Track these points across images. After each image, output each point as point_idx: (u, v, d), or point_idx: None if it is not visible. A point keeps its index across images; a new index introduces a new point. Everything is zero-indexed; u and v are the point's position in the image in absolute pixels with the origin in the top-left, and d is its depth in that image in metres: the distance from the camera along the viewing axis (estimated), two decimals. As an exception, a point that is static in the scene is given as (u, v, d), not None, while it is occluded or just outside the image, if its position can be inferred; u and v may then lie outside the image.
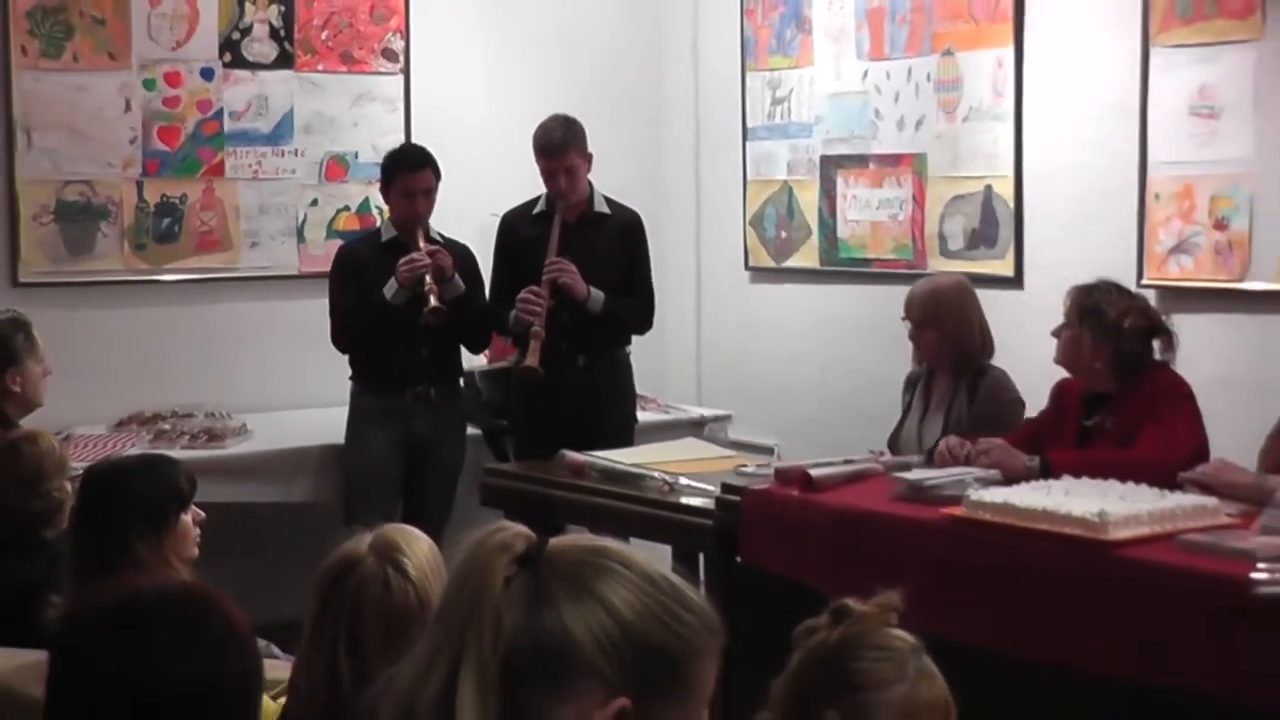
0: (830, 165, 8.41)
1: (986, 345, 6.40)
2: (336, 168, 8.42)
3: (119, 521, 4.37)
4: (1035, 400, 6.11)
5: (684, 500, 5.97)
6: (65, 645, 2.50)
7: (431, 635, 1.93)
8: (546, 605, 1.91)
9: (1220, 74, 6.82)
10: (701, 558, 5.84)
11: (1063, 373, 5.94)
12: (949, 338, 6.35)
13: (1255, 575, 4.28)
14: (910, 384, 6.59)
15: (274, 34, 8.23)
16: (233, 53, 8.16)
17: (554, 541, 1.99)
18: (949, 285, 6.51)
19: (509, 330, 7.28)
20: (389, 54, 8.50)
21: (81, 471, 5.72)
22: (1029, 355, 6.31)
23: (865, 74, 8.21)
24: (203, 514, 4.58)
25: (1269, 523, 4.60)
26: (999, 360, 6.55)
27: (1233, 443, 5.59)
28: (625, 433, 7.30)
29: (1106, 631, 4.58)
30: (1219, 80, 6.82)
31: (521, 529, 1.98)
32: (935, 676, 3.22)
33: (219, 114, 8.15)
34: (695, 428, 7.93)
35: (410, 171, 7.26)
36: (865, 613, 3.15)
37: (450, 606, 1.93)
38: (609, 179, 7.51)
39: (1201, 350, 6.29)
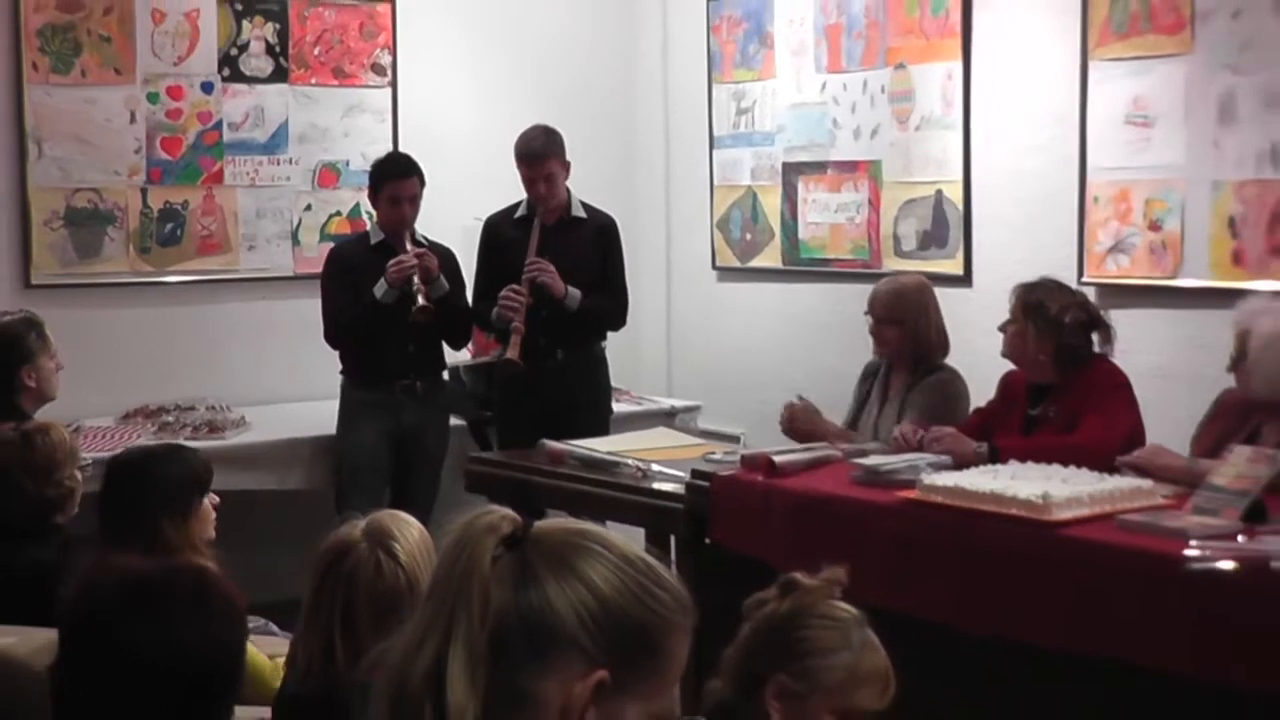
0: (791, 171, 8.42)
1: (942, 344, 6.40)
2: (329, 175, 8.41)
3: (147, 504, 4.38)
4: (984, 389, 6.12)
5: (656, 485, 5.97)
6: (80, 618, 2.51)
7: (423, 611, 1.93)
8: (532, 583, 1.91)
9: (1153, 85, 6.84)
10: (673, 539, 5.85)
11: (1009, 365, 5.96)
12: (908, 334, 6.35)
13: (1188, 552, 4.30)
14: (868, 374, 6.59)
15: (269, 50, 8.23)
16: (231, 68, 8.14)
17: (538, 524, 2.00)
18: (911, 285, 6.51)
19: (492, 326, 7.28)
20: (377, 68, 8.49)
21: (90, 461, 5.75)
22: (978, 349, 6.31)
23: (824, 86, 8.21)
24: (217, 499, 4.60)
25: (1200, 503, 4.63)
26: (951, 354, 6.55)
27: (1167, 429, 5.61)
28: (601, 423, 7.29)
29: (1050, 606, 4.60)
30: (1152, 91, 6.84)
31: (508, 512, 1.98)
32: (878, 648, 3.24)
33: (218, 125, 8.13)
34: (666, 418, 7.94)
35: (397, 179, 7.26)
36: (812, 585, 3.16)
37: (441, 584, 1.93)
38: (585, 185, 7.51)
39: (1137, 343, 6.31)
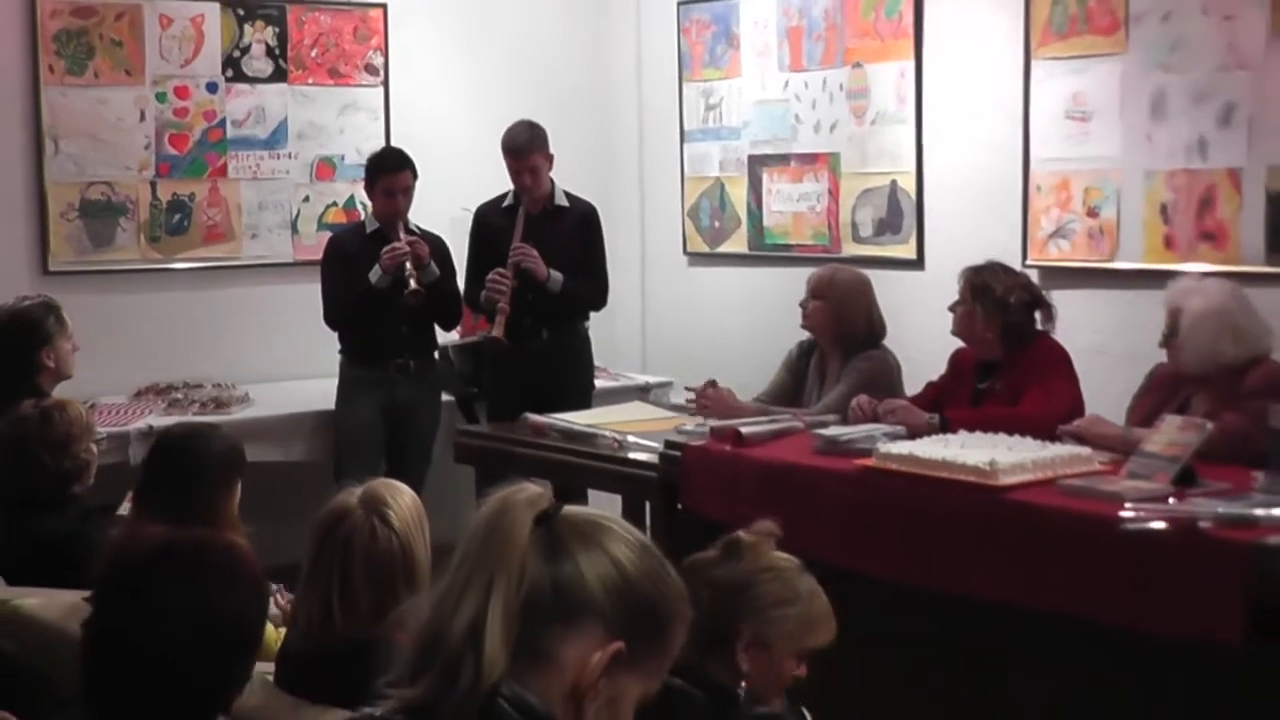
0: (756, 164, 8.42)
1: (872, 332, 6.37)
2: (325, 169, 8.39)
3: (195, 479, 4.38)
4: (935, 365, 6.12)
5: (632, 456, 5.97)
6: (114, 581, 2.51)
7: (459, 573, 1.95)
8: (564, 555, 1.95)
9: (1091, 83, 6.86)
10: (648, 505, 5.86)
11: (959, 343, 5.98)
12: (832, 313, 6.32)
13: (1123, 514, 4.31)
14: (804, 353, 6.56)
15: (270, 52, 8.20)
16: (234, 69, 8.12)
17: (567, 506, 2.03)
18: (846, 272, 6.51)
19: (481, 307, 7.28)
20: (370, 69, 8.47)
21: (105, 436, 5.75)
22: (930, 328, 6.31)
23: (786, 84, 8.21)
24: None
25: (1135, 469, 4.64)
26: (904, 334, 6.57)
27: (1104, 401, 5.63)
28: (582, 398, 7.29)
29: (996, 564, 4.61)
30: (1090, 88, 6.86)
31: (544, 490, 2.02)
32: (820, 592, 3.25)
33: (222, 123, 8.11)
34: (641, 393, 7.93)
35: (391, 172, 7.25)
36: (753, 542, 3.16)
37: (481, 549, 1.94)
38: (567, 176, 7.50)
39: (1077, 321, 6.32)
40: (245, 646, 2.48)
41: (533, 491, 2.00)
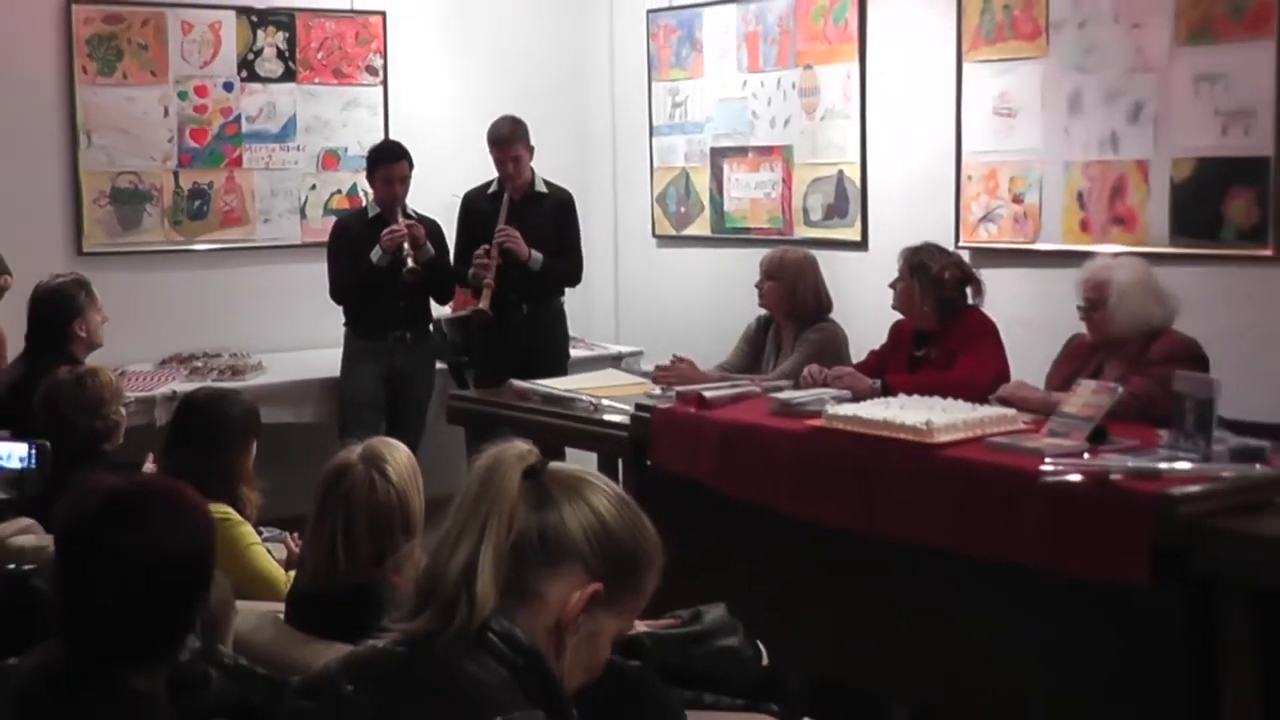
0: (718, 155, 8.41)
1: (819, 306, 6.38)
2: (330, 160, 8.36)
3: (220, 437, 4.37)
4: (877, 335, 6.13)
5: (606, 417, 5.97)
6: (69, 530, 2.50)
7: (456, 519, 1.96)
8: (549, 505, 1.96)
9: (1015, 83, 6.87)
10: (620, 462, 5.88)
11: (898, 315, 5.98)
12: (785, 291, 6.34)
13: (1044, 468, 4.34)
14: (761, 327, 6.56)
15: (280, 55, 8.17)
16: (248, 70, 8.09)
17: (553, 462, 2.04)
18: (795, 253, 6.52)
19: (468, 282, 7.28)
20: (371, 69, 8.44)
21: (133, 399, 5.73)
22: (872, 302, 6.33)
23: (745, 83, 8.21)
24: None
25: (1054, 428, 4.66)
26: (850, 308, 6.58)
27: (1027, 367, 5.64)
28: (560, 365, 7.29)
29: (931, 512, 4.63)
30: (1014, 88, 6.88)
31: (532, 447, 2.03)
32: None
33: (238, 118, 8.08)
34: (615, 361, 7.93)
35: (390, 162, 7.24)
36: None
37: (476, 499, 1.96)
38: (547, 165, 7.49)
39: (1003, 296, 6.33)
40: (195, 580, 2.46)
41: (522, 448, 2.01)
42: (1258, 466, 4.31)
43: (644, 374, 7.02)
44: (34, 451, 3.71)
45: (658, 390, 6.04)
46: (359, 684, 1.92)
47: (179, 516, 2.48)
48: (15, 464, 3.64)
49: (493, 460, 1.99)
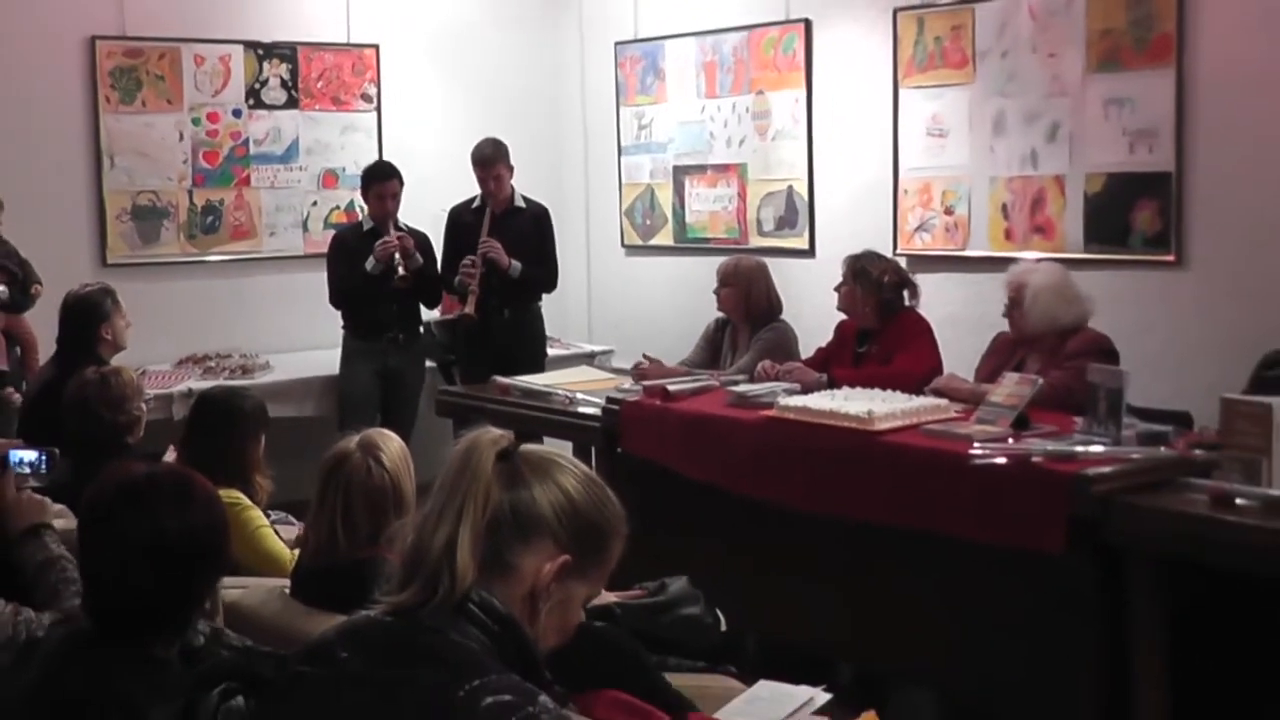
0: (680, 172, 8.42)
1: (771, 308, 6.38)
2: (330, 178, 8.34)
3: (234, 430, 4.36)
4: (823, 333, 6.15)
5: (580, 409, 5.95)
6: (88, 513, 2.50)
7: (436, 500, 1.96)
8: (521, 485, 1.96)
9: (946, 107, 6.90)
10: (593, 449, 5.87)
11: (842, 315, 5.99)
12: (741, 296, 6.36)
13: (973, 451, 4.35)
14: (719, 328, 6.57)
15: (284, 84, 8.15)
16: (255, 98, 8.06)
17: (524, 445, 2.04)
18: (748, 261, 6.53)
19: (455, 289, 7.26)
20: (366, 97, 8.42)
21: (152, 396, 5.72)
22: (819, 304, 6.33)
23: (703, 108, 8.21)
24: None
25: (982, 416, 4.68)
26: (799, 309, 6.59)
27: (958, 362, 5.66)
28: (539, 363, 7.27)
29: (873, 492, 4.64)
30: (945, 111, 6.90)
31: (505, 432, 2.03)
32: None
33: (246, 142, 8.06)
34: (588, 359, 7.91)
35: (382, 180, 7.22)
36: None
37: (454, 481, 1.96)
38: (525, 182, 7.48)
39: (937, 298, 6.36)
40: (202, 560, 2.46)
41: (495, 433, 2.01)
42: (1162, 449, 4.34)
43: (614, 370, 7.03)
44: (44, 457, 3.72)
45: (629, 384, 6.05)
46: (352, 650, 1.91)
47: (185, 502, 2.48)
48: (26, 469, 3.65)
49: (469, 445, 1.99)
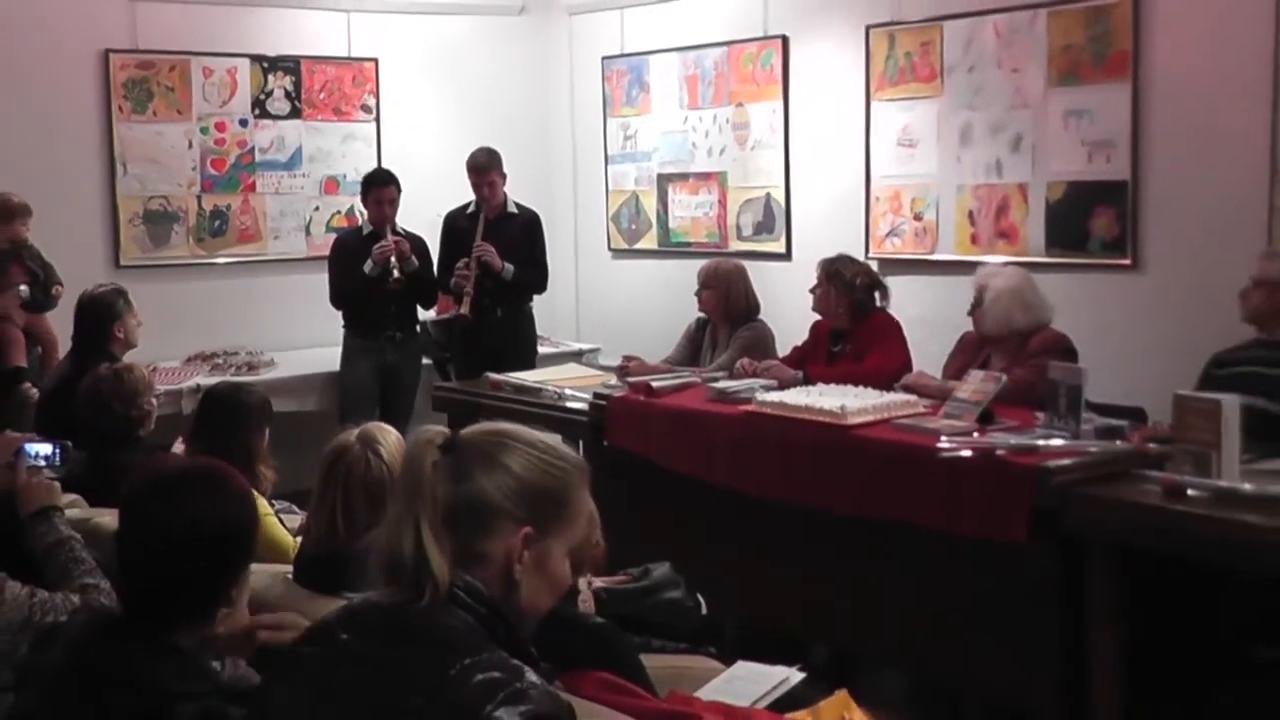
0: (664, 180, 8.42)
1: (750, 308, 6.38)
2: (332, 185, 8.32)
3: (240, 423, 4.34)
4: (799, 332, 6.14)
5: (569, 404, 5.94)
6: (127, 503, 2.50)
7: (393, 508, 1.93)
8: (466, 477, 1.93)
9: (915, 119, 6.91)
10: (581, 442, 5.87)
11: (817, 316, 6.00)
12: (721, 297, 6.35)
13: (941, 444, 4.36)
14: (700, 327, 6.56)
15: (288, 95, 8.13)
16: (260, 108, 8.04)
17: (464, 431, 2.00)
18: (727, 264, 6.52)
19: (450, 290, 7.26)
20: (365, 108, 8.41)
21: (162, 391, 5.70)
22: (795, 305, 6.33)
23: (686, 119, 8.21)
24: None
25: (949, 411, 4.68)
26: (776, 309, 6.59)
27: (926, 360, 5.67)
28: (529, 360, 7.27)
29: (847, 483, 4.65)
30: (915, 122, 6.92)
31: (442, 428, 1.99)
32: None
33: (251, 150, 8.04)
34: (576, 357, 7.92)
35: (381, 186, 7.21)
36: None
37: (403, 489, 1.93)
38: (517, 189, 7.47)
39: (906, 299, 6.37)
40: (231, 550, 2.46)
41: (433, 431, 1.97)
42: (1119, 442, 4.35)
43: (601, 367, 7.03)
44: (58, 450, 3.71)
45: (615, 381, 6.05)
46: (352, 632, 1.92)
47: (219, 496, 2.47)
48: (41, 461, 3.64)
49: (409, 450, 1.96)
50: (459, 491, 1.92)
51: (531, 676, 1.80)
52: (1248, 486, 3.88)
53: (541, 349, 7.71)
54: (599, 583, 3.40)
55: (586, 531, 2.05)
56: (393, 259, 7.04)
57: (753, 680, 3.18)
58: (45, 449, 3.70)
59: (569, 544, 2.00)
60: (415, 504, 1.90)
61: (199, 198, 7.90)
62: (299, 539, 3.87)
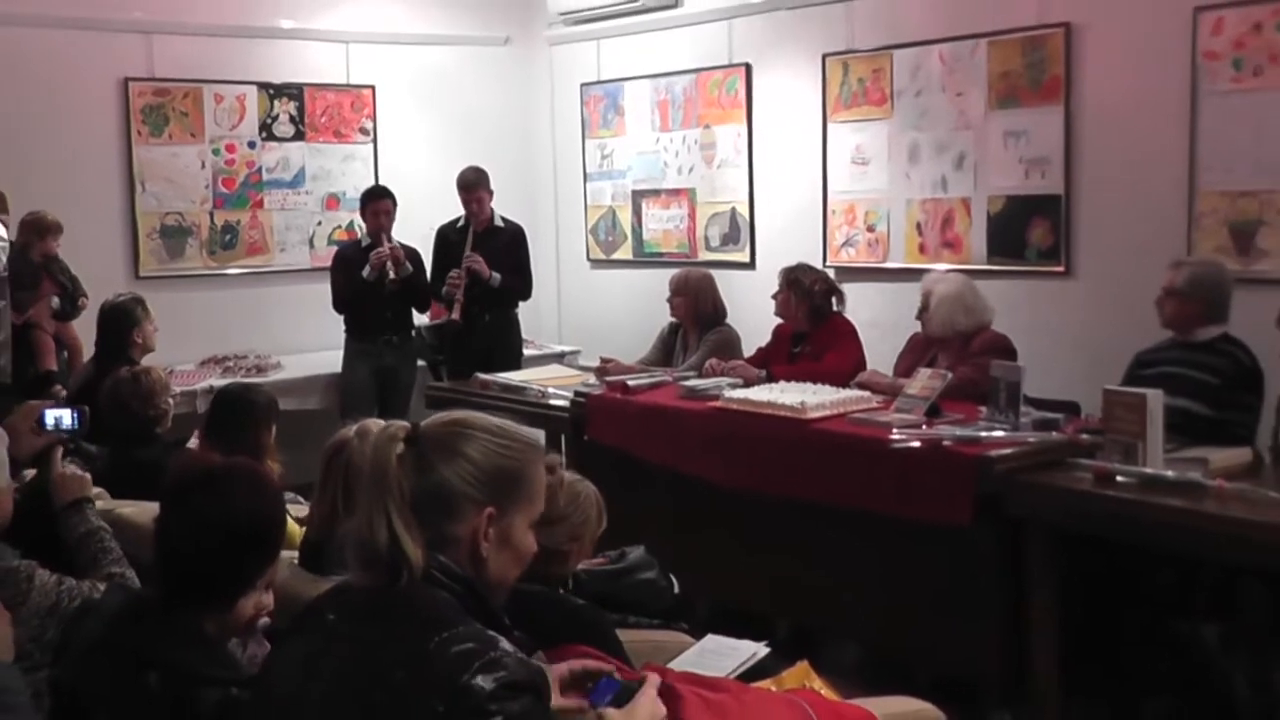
0: (638, 196, 8.41)
1: (719, 313, 6.38)
2: (333, 201, 8.30)
3: (249, 420, 4.31)
4: (762, 335, 6.14)
5: (552, 401, 5.95)
6: (170, 494, 2.49)
7: (364, 501, 1.89)
8: (428, 468, 1.91)
9: (868, 138, 6.92)
10: (563, 436, 5.87)
11: (779, 320, 6.00)
12: (691, 303, 6.36)
13: (892, 436, 4.38)
14: (672, 331, 6.55)
15: (292, 119, 8.10)
16: (267, 131, 8.01)
17: (423, 423, 1.98)
18: (696, 273, 6.52)
19: (442, 297, 7.25)
20: (364, 130, 8.38)
21: (178, 392, 5.67)
22: (758, 310, 6.34)
23: (658, 140, 8.21)
24: None
25: (900, 406, 4.70)
26: (742, 314, 6.59)
27: (879, 359, 5.69)
28: (516, 361, 7.27)
29: (808, 472, 4.66)
30: (867, 142, 6.93)
31: (402, 423, 1.96)
32: (594, 501, 3.11)
33: (259, 170, 8.00)
34: (558, 358, 7.92)
35: (377, 200, 7.25)
36: (554, 464, 3.06)
37: (369, 483, 1.89)
38: (504, 204, 7.46)
39: (861, 304, 6.38)
40: (262, 542, 2.44)
41: (395, 427, 1.94)
42: (1054, 433, 4.38)
43: (582, 368, 7.02)
44: (76, 414, 3.68)
45: (594, 380, 6.05)
46: (339, 613, 1.91)
47: (250, 492, 2.46)
48: (66, 425, 3.61)
49: (375, 445, 1.92)
50: (423, 482, 1.90)
51: (505, 645, 1.80)
52: (1170, 473, 3.91)
53: (526, 351, 7.70)
54: (580, 565, 3.39)
55: (539, 504, 2.02)
56: (389, 264, 7.06)
57: (722, 653, 3.18)
58: (64, 414, 3.66)
59: (530, 517, 1.99)
60: (384, 496, 1.87)
61: (211, 214, 7.87)
62: (304, 527, 3.85)
